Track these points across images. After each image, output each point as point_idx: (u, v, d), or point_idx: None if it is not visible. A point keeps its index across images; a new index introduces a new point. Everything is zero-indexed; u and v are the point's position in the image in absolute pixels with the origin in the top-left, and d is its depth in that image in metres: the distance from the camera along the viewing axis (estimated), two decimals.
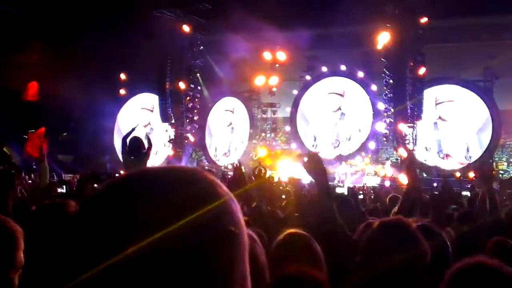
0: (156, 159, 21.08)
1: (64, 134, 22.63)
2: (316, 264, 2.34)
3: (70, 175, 15.36)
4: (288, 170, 19.21)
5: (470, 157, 18.01)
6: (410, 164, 5.19)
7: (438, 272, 1.89)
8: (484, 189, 4.24)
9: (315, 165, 2.86)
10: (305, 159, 2.89)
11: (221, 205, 0.71)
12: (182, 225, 0.65)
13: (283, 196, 7.98)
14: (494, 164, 17.48)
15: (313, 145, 20.65)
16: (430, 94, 18.50)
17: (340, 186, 14.32)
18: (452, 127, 18.79)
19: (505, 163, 17.81)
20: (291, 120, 21.49)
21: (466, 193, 10.08)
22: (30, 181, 9.49)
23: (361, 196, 10.67)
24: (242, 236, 0.73)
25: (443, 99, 18.96)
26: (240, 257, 0.72)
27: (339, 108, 20.65)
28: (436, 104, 18.94)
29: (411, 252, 2.06)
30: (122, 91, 23.51)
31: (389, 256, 2.04)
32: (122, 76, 22.96)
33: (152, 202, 0.67)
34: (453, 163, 18.15)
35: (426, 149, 18.69)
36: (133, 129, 8.67)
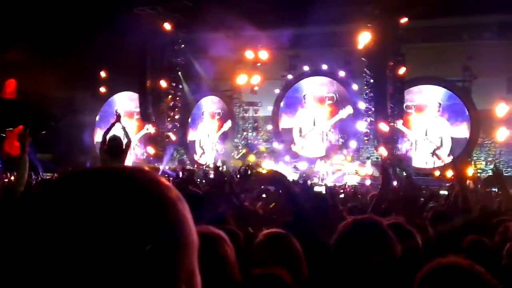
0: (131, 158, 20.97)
1: (43, 132, 22.26)
2: (296, 263, 2.34)
3: (49, 174, 15.14)
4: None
5: (448, 156, 18.24)
6: (384, 166, 5.28)
7: (408, 270, 1.90)
8: (457, 188, 4.29)
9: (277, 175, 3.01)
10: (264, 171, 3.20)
11: (162, 205, 0.70)
12: (116, 226, 0.65)
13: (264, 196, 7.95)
14: (473, 163, 17.68)
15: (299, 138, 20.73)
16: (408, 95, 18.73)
17: (319, 185, 14.36)
18: (429, 127, 19.00)
19: (483, 162, 18.04)
20: (273, 118, 21.50)
21: (444, 192, 10.17)
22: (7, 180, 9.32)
23: (342, 195, 10.72)
24: (188, 234, 0.73)
25: (418, 99, 19.20)
26: (186, 255, 0.72)
27: (325, 108, 20.72)
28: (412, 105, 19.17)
29: (381, 248, 2.07)
30: (102, 89, 23.25)
31: (360, 253, 2.06)
32: (102, 74, 22.70)
33: (85, 204, 0.66)
34: (432, 163, 18.35)
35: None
36: (113, 124, 8.53)
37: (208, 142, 22.63)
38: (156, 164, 19.45)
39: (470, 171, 16.59)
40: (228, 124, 22.36)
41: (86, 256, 0.63)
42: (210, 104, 22.99)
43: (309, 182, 12.04)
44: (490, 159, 17.75)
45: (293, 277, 2.09)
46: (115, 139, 8.02)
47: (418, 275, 1.68)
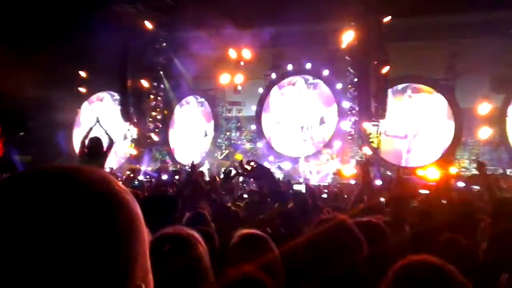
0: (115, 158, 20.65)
1: (21, 133, 21.83)
2: (272, 263, 2.37)
3: None
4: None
5: (432, 155, 18.26)
6: (364, 166, 5.49)
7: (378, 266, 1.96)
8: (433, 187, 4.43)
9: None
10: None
11: (112, 204, 0.71)
12: (65, 226, 0.65)
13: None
14: (457, 162, 17.76)
15: (286, 147, 20.61)
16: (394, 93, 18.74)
17: (299, 183, 14.27)
18: (414, 126, 19.03)
19: (467, 161, 18.13)
20: (257, 118, 21.35)
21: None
22: None
23: (325, 195, 10.64)
24: (140, 233, 0.74)
25: (402, 99, 19.22)
26: (139, 253, 0.73)
27: (309, 108, 20.63)
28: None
29: (345, 245, 2.16)
30: (82, 89, 22.85)
31: (326, 250, 2.15)
32: (82, 73, 22.29)
33: (32, 204, 0.66)
34: (414, 162, 18.35)
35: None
36: (90, 129, 8.52)
37: (191, 142, 22.37)
38: (137, 165, 19.17)
39: (452, 169, 16.76)
40: (211, 124, 22.14)
41: (31, 257, 0.63)
42: (192, 104, 22.74)
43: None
44: (473, 157, 17.81)
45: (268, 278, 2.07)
46: (95, 141, 7.95)
47: (390, 271, 1.72)
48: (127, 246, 0.71)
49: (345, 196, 9.97)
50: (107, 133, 8.88)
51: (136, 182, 13.67)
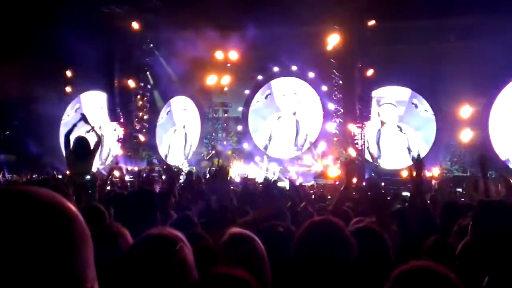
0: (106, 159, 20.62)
1: (7, 133, 21.69)
2: (259, 263, 2.36)
3: (15, 175, 14.69)
4: (240, 170, 19.22)
5: (412, 157, 18.52)
6: (347, 166, 5.39)
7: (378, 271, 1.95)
8: (414, 189, 4.36)
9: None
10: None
11: (60, 217, 0.79)
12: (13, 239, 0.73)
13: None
14: (439, 164, 18.00)
15: (272, 148, 20.76)
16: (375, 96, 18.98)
17: (282, 180, 14.43)
18: (393, 129, 19.31)
19: (449, 163, 18.41)
20: (243, 119, 21.46)
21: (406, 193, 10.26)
22: None
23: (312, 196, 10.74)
24: (86, 243, 0.82)
25: (384, 101, 19.45)
26: (88, 261, 0.81)
27: (295, 109, 20.78)
28: (379, 106, 19.39)
29: (338, 249, 2.14)
30: (68, 89, 22.76)
31: (316, 253, 2.14)
32: (68, 73, 22.21)
33: None
34: (396, 164, 18.57)
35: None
36: (74, 125, 8.26)
37: (177, 143, 22.40)
38: (125, 165, 19.16)
39: (435, 171, 17.03)
40: (197, 125, 22.18)
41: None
42: (179, 105, 22.77)
43: (273, 178, 12.07)
44: (455, 159, 18.10)
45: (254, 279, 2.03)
46: (81, 140, 7.79)
47: (391, 275, 1.72)
48: (77, 254, 0.79)
49: (329, 197, 10.11)
50: (94, 130, 8.70)
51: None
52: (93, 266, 0.83)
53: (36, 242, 0.74)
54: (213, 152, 20.62)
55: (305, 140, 20.37)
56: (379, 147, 19.33)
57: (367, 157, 18.83)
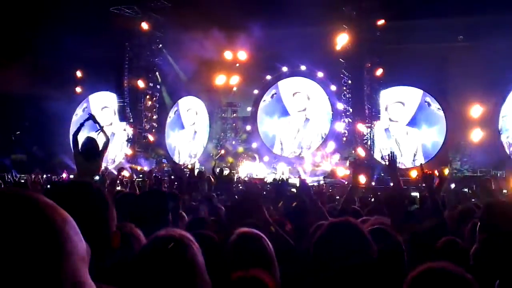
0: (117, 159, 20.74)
1: (17, 133, 21.89)
2: (268, 263, 2.36)
3: (24, 175, 14.74)
4: (247, 169, 19.25)
5: (423, 157, 18.46)
6: (356, 166, 5.32)
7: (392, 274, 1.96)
8: (426, 189, 4.29)
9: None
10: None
11: (39, 222, 0.80)
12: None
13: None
14: (449, 163, 17.88)
15: (281, 149, 20.79)
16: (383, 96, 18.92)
17: (292, 178, 14.45)
18: (403, 129, 19.23)
19: (459, 163, 18.27)
20: (252, 119, 21.49)
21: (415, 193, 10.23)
22: None
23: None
24: (72, 249, 0.82)
25: (393, 100, 19.37)
26: (69, 266, 0.81)
27: (304, 109, 20.77)
28: (388, 106, 19.32)
29: (358, 250, 2.13)
30: (78, 89, 22.93)
31: (338, 254, 2.11)
32: (78, 73, 22.38)
33: None
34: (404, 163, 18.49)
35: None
36: (82, 125, 8.26)
37: (186, 143, 22.48)
38: (133, 164, 19.27)
39: (445, 171, 16.91)
40: (206, 125, 22.24)
41: None
42: (188, 105, 22.84)
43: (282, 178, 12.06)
44: (465, 159, 17.97)
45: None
46: (90, 141, 7.80)
47: (409, 276, 1.74)
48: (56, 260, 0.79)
49: (337, 197, 10.10)
50: (102, 131, 8.65)
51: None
52: (76, 275, 0.82)
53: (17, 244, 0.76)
54: (222, 152, 20.64)
55: (314, 139, 20.35)
56: (388, 146, 19.25)
57: (376, 156, 18.75)
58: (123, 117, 21.18)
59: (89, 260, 0.86)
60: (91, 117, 8.58)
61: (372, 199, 7.38)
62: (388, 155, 4.40)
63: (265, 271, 2.03)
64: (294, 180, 12.46)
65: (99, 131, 8.51)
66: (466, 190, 10.00)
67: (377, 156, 18.72)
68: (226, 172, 13.92)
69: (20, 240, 0.76)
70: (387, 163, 4.52)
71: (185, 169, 18.07)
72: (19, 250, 0.75)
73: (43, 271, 0.76)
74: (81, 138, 7.88)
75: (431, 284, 1.67)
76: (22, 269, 0.74)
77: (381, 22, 17.19)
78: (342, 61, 18.36)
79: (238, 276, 1.91)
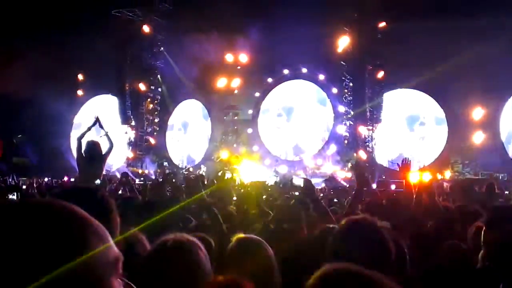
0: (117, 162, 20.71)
1: (19, 136, 21.90)
2: (267, 268, 2.35)
3: (24, 178, 14.70)
4: (249, 173, 19.20)
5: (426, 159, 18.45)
6: (358, 168, 5.26)
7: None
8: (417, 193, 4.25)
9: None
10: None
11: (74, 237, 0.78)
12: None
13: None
14: (450, 165, 17.84)
15: (282, 152, 20.79)
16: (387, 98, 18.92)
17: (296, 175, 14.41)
18: (403, 131, 19.24)
19: (460, 165, 18.23)
20: (253, 122, 21.48)
21: None
22: None
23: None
24: (101, 260, 0.79)
25: (394, 103, 19.38)
26: (102, 276, 0.79)
27: (306, 112, 20.78)
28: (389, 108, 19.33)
29: (378, 249, 2.08)
30: (80, 92, 22.95)
31: (356, 254, 2.02)
32: (80, 76, 22.40)
33: None
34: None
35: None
36: (88, 129, 8.25)
37: (188, 146, 22.48)
38: (135, 167, 19.28)
39: (447, 174, 16.89)
40: (207, 128, 22.24)
41: None
42: (189, 108, 22.84)
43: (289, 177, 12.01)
44: (467, 162, 17.92)
45: (261, 284, 2.05)
46: (93, 145, 7.74)
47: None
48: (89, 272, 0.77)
49: (335, 200, 10.06)
50: (107, 135, 8.57)
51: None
52: (107, 277, 0.80)
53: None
54: (223, 154, 20.61)
55: (315, 142, 20.35)
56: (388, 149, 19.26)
57: (378, 159, 18.73)
58: (124, 120, 21.17)
59: (119, 267, 0.83)
60: (97, 121, 8.51)
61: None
62: (403, 160, 4.38)
63: (248, 279, 1.93)
64: (298, 181, 12.37)
65: (104, 135, 8.45)
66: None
67: (378, 159, 18.68)
68: (228, 175, 13.88)
69: (32, 250, 0.72)
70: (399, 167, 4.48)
71: (186, 172, 18.09)
72: (31, 261, 0.72)
73: (61, 280, 0.72)
74: (84, 142, 7.85)
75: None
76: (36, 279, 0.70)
77: (382, 24, 17.19)
78: (344, 63, 18.35)
79: (216, 281, 1.87)
